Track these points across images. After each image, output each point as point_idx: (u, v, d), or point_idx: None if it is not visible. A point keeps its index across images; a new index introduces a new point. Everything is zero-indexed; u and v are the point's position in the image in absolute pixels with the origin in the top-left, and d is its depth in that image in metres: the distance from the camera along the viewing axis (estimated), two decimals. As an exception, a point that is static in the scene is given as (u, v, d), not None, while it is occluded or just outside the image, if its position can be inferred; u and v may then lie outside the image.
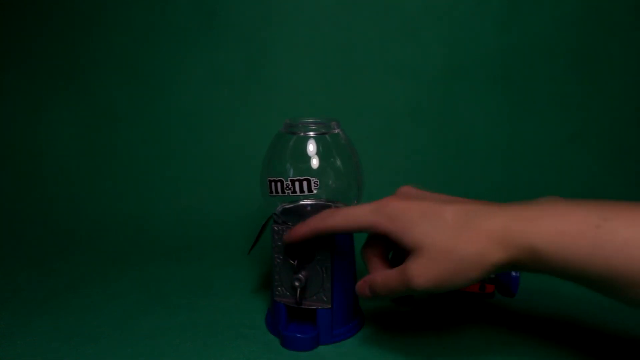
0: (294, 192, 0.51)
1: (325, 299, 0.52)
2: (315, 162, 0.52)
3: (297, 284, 0.51)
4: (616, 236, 0.36)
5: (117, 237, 0.82)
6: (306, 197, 0.57)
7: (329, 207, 0.57)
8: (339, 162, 0.54)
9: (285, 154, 0.54)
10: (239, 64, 0.91)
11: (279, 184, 0.51)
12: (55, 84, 0.92)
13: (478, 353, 0.50)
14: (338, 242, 0.52)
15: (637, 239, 0.36)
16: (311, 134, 0.53)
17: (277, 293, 0.53)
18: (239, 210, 0.86)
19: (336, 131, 0.55)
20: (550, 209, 0.40)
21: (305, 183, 0.51)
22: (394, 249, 0.50)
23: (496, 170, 0.93)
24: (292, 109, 0.90)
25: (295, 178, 0.51)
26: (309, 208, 0.58)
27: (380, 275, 0.45)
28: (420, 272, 0.41)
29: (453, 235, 0.41)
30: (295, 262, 0.51)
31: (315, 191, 0.51)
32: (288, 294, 0.52)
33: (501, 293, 0.61)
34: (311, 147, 0.53)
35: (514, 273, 0.60)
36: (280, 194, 0.51)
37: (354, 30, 0.91)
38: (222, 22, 0.90)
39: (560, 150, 0.94)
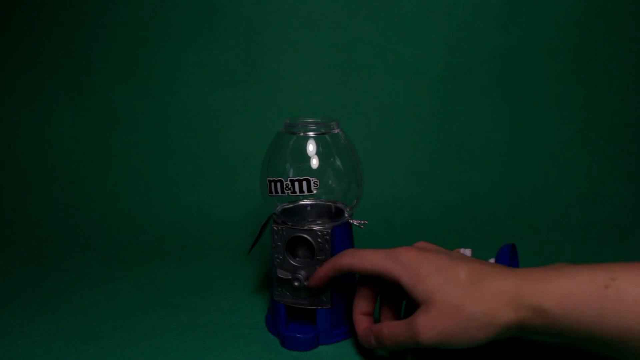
0: (294, 192, 0.51)
1: (325, 299, 0.52)
2: (315, 162, 0.52)
3: (296, 284, 0.51)
4: (626, 295, 0.36)
5: (117, 237, 0.82)
6: (305, 197, 0.57)
7: (329, 207, 0.57)
8: (338, 162, 0.54)
9: (285, 154, 0.54)
10: (239, 63, 0.91)
11: (278, 184, 0.51)
12: (55, 84, 0.92)
13: (478, 353, 0.50)
14: (337, 242, 0.52)
15: None
16: (311, 134, 0.53)
17: (277, 293, 0.53)
18: (239, 210, 0.86)
19: (336, 131, 0.55)
20: (558, 271, 0.40)
21: (305, 183, 0.51)
22: (406, 300, 0.50)
23: (496, 170, 0.93)
24: (292, 108, 0.90)
25: (295, 178, 0.51)
26: (308, 208, 0.58)
27: (387, 327, 0.45)
28: (428, 326, 0.42)
29: (464, 293, 0.41)
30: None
31: (315, 191, 0.51)
32: (288, 293, 0.52)
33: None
34: (311, 147, 0.53)
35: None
36: (280, 194, 0.51)
37: (354, 30, 0.91)
38: (222, 22, 0.90)
39: (560, 150, 0.94)
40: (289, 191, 0.51)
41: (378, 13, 0.91)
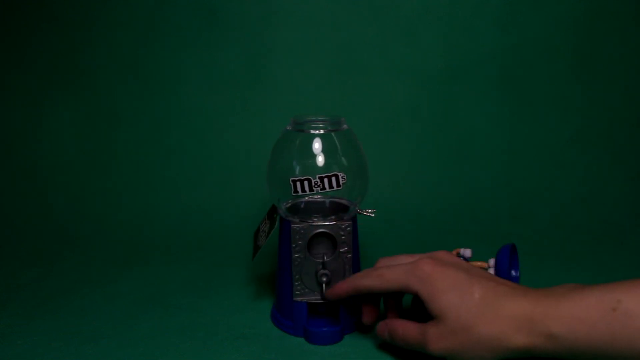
0: (323, 188, 0.51)
1: None
2: (339, 159, 0.53)
3: (324, 279, 0.51)
4: (633, 316, 0.37)
5: (117, 237, 0.82)
6: (309, 195, 0.56)
7: (323, 202, 0.57)
8: (353, 158, 0.54)
9: (306, 152, 0.53)
10: (239, 63, 0.91)
11: (306, 182, 0.51)
12: (56, 84, 0.92)
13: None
14: (354, 234, 0.53)
15: None
16: (321, 131, 0.53)
17: (298, 293, 0.53)
18: (239, 210, 0.86)
19: (346, 127, 0.55)
20: (567, 295, 0.41)
21: (334, 179, 0.51)
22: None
23: (496, 170, 0.93)
24: (292, 108, 0.90)
25: (324, 175, 0.51)
26: (302, 205, 0.58)
27: (402, 327, 0.47)
28: (438, 339, 0.43)
29: (477, 313, 0.42)
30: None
31: (342, 187, 0.51)
32: (308, 290, 0.53)
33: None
34: (329, 144, 0.53)
35: (513, 273, 0.60)
36: (307, 192, 0.51)
37: (354, 30, 0.91)
38: (222, 22, 0.90)
39: (560, 150, 0.94)
40: (318, 188, 0.51)
41: (378, 13, 0.91)
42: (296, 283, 0.53)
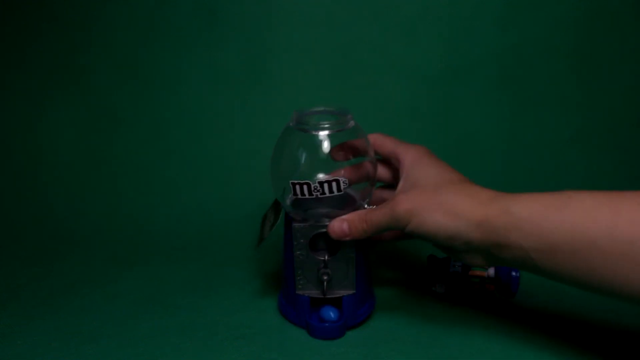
0: (323, 193, 0.48)
1: (350, 286, 0.53)
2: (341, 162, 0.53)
3: (325, 278, 0.52)
4: (585, 203, 0.42)
5: (117, 237, 0.82)
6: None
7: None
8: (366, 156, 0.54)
9: (307, 154, 0.51)
10: (239, 63, 0.91)
11: (305, 186, 0.48)
12: (55, 84, 0.92)
13: (478, 352, 0.50)
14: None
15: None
16: (327, 132, 0.51)
17: (300, 286, 0.54)
18: (239, 210, 0.86)
19: (353, 124, 0.53)
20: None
21: (334, 184, 0.48)
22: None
23: (496, 170, 0.93)
24: (292, 108, 0.90)
25: (324, 179, 0.48)
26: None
27: (370, 210, 0.51)
28: (404, 199, 0.47)
29: (446, 186, 0.48)
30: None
31: (343, 191, 0.49)
32: (311, 285, 0.53)
33: (501, 293, 0.61)
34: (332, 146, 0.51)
35: (514, 273, 0.60)
36: (307, 196, 0.49)
37: (354, 30, 0.91)
38: (222, 22, 0.90)
39: (560, 150, 0.94)
40: (318, 193, 0.49)
41: (378, 13, 0.91)
42: (298, 277, 0.53)
